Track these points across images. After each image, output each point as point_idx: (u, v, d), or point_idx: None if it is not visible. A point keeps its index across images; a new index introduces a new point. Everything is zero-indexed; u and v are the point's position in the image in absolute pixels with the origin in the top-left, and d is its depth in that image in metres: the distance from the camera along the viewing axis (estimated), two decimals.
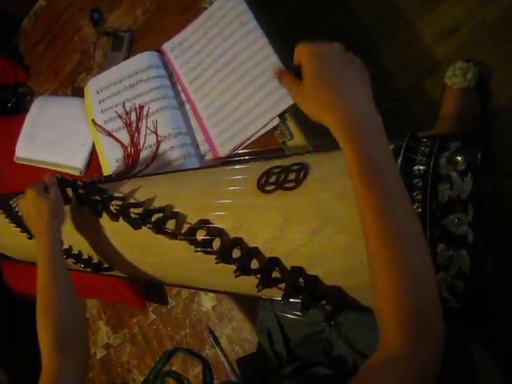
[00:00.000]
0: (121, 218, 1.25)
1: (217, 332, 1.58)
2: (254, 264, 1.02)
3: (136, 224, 1.21)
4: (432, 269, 0.72)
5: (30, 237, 1.49)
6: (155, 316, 1.71)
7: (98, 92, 1.75)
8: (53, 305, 1.16)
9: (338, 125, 0.78)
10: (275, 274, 1.01)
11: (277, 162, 1.11)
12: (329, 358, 1.21)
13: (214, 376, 1.57)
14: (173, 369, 1.66)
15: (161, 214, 1.17)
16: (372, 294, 0.74)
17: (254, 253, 1.02)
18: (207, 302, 1.60)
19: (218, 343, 1.56)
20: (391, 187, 0.74)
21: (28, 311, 1.20)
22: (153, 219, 1.16)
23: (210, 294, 1.59)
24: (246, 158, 1.41)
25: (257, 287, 0.97)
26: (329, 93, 0.79)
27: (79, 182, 1.35)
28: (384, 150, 0.76)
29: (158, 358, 1.67)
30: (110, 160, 1.66)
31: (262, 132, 1.47)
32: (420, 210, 0.85)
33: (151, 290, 1.67)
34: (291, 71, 0.88)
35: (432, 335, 0.69)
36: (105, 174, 1.62)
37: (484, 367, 1.06)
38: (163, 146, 1.56)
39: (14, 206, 1.65)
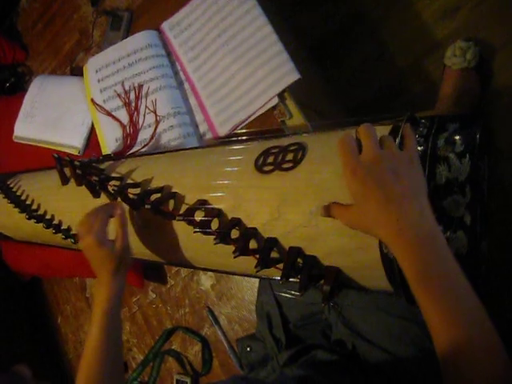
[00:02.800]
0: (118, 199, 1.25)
1: (216, 311, 1.59)
2: (253, 244, 1.02)
3: (134, 204, 1.21)
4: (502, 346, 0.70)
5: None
6: (154, 295, 1.72)
7: (96, 71, 1.74)
8: (95, 374, 1.09)
9: (388, 241, 0.78)
10: (274, 255, 1.01)
11: (275, 142, 1.11)
12: (327, 340, 1.22)
13: (213, 354, 1.58)
14: (172, 347, 1.67)
15: (159, 195, 1.17)
16: None
17: (253, 233, 1.02)
18: (206, 280, 1.61)
19: (217, 322, 1.57)
20: (457, 288, 0.73)
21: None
22: (151, 200, 1.16)
23: (209, 273, 1.59)
24: (245, 137, 1.41)
25: (255, 267, 0.97)
26: (372, 206, 0.79)
27: (77, 162, 1.35)
28: (442, 261, 0.74)
29: (157, 337, 1.69)
30: (109, 139, 1.65)
31: (262, 111, 1.46)
32: None
33: (151, 268, 1.68)
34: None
35: None
36: (103, 154, 1.61)
37: None
38: (162, 126, 1.56)
39: (12, 185, 1.65)
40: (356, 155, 0.81)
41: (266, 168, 1.03)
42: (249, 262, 0.99)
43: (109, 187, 1.27)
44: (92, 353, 1.10)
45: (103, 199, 1.31)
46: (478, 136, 0.85)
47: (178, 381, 1.61)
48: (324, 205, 0.88)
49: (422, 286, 0.73)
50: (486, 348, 0.69)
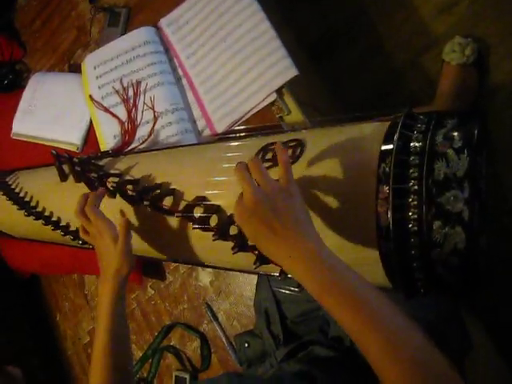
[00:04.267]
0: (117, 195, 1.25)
1: (214, 307, 1.59)
2: None
3: (133, 201, 1.21)
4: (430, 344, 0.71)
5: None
6: (153, 291, 1.72)
7: (95, 68, 1.74)
8: (106, 373, 1.10)
9: (287, 268, 0.86)
10: None
11: (274, 139, 1.11)
12: (325, 336, 1.22)
13: (212, 350, 1.59)
14: (171, 344, 1.67)
15: (158, 191, 1.17)
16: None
17: None
18: (205, 277, 1.61)
19: (215, 318, 1.57)
20: (359, 290, 0.77)
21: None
22: (150, 196, 1.16)
23: (208, 270, 1.59)
24: (243, 134, 1.41)
25: (254, 264, 0.98)
26: (264, 240, 0.87)
27: (75, 159, 1.35)
28: (334, 271, 0.80)
29: (156, 333, 1.70)
30: (107, 136, 1.65)
31: (259, 107, 1.46)
32: (416, 187, 0.85)
33: (149, 265, 1.68)
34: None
35: None
36: (102, 150, 1.61)
37: (477, 339, 1.07)
38: (160, 122, 1.56)
39: (10, 182, 1.65)
40: (240, 203, 0.89)
41: (265, 164, 1.03)
42: (248, 258, 0.99)
43: (107, 184, 1.27)
44: (100, 352, 1.11)
45: None
46: (476, 132, 0.86)
47: (176, 377, 1.61)
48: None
49: (324, 298, 0.79)
50: (407, 340, 0.71)
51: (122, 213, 1.27)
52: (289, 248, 0.83)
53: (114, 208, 1.31)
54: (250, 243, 0.92)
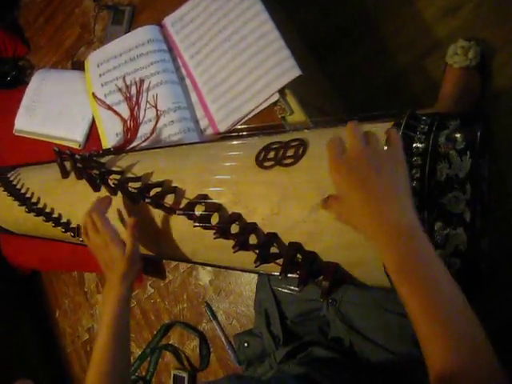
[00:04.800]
0: (119, 193, 1.25)
1: (214, 306, 1.58)
2: (253, 239, 1.03)
3: (134, 199, 1.21)
4: (483, 333, 0.70)
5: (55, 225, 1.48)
6: (153, 290, 1.71)
7: (98, 65, 1.74)
8: (105, 373, 1.10)
9: (368, 231, 0.81)
10: (273, 250, 1.01)
11: (276, 138, 1.11)
12: (325, 337, 1.22)
13: (211, 350, 1.58)
14: (170, 342, 1.67)
15: (159, 189, 1.17)
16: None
17: (253, 228, 1.03)
18: (205, 276, 1.60)
19: (215, 317, 1.57)
20: (436, 280, 0.74)
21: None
22: (151, 194, 1.17)
23: (208, 268, 1.59)
24: (245, 133, 1.41)
25: (255, 262, 0.98)
26: (355, 200, 0.81)
27: (77, 156, 1.35)
28: (421, 254, 0.75)
29: (155, 332, 1.69)
30: (110, 133, 1.65)
31: (262, 107, 1.47)
32: (418, 188, 0.85)
33: (149, 263, 1.68)
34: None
35: None
36: (104, 148, 1.61)
37: None
38: (163, 120, 1.56)
39: (12, 179, 1.65)
40: (340, 153, 0.84)
41: (267, 163, 1.04)
42: (248, 257, 0.99)
43: (109, 181, 1.27)
44: (100, 356, 1.12)
45: (103, 193, 1.31)
46: (478, 133, 0.86)
47: (175, 376, 1.61)
48: (324, 197, 0.89)
49: (402, 277, 0.75)
50: (469, 339, 0.69)
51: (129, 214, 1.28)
52: (383, 215, 0.78)
53: (114, 204, 1.31)
54: (341, 216, 0.87)
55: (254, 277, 1.46)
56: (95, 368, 1.11)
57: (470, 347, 0.69)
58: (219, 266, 1.34)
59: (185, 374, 1.59)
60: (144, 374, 1.66)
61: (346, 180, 0.82)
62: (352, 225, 0.84)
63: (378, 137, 0.85)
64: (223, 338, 1.54)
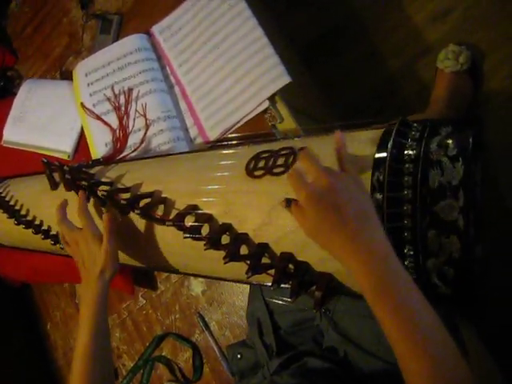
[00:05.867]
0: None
1: (206, 317, 1.57)
2: (244, 250, 1.01)
3: (123, 210, 1.20)
4: (458, 353, 0.72)
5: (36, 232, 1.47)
6: (144, 301, 1.70)
7: (86, 75, 1.73)
8: (87, 373, 1.10)
9: (343, 259, 0.81)
10: (265, 260, 1.00)
11: (266, 147, 1.10)
12: (319, 347, 1.20)
13: (204, 361, 1.57)
14: (162, 354, 1.65)
15: (149, 200, 1.16)
16: None
17: (243, 239, 1.02)
18: (197, 286, 1.59)
19: (207, 328, 1.56)
20: (410, 303, 0.75)
21: None
22: (141, 205, 1.15)
23: (200, 279, 1.58)
24: (235, 142, 1.40)
25: (246, 273, 0.96)
26: (327, 227, 0.82)
27: (66, 167, 1.33)
28: (395, 276, 0.77)
29: (147, 344, 1.68)
30: (99, 144, 1.64)
31: (252, 115, 1.46)
32: (410, 195, 0.84)
33: (140, 274, 1.66)
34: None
35: None
36: (93, 159, 1.60)
37: (474, 350, 1.06)
38: (152, 130, 1.55)
39: (1, 191, 1.63)
40: (306, 183, 0.85)
41: (257, 173, 1.03)
42: (240, 268, 0.98)
43: (98, 192, 1.26)
44: (82, 356, 1.11)
45: (91, 204, 1.30)
46: (470, 139, 0.85)
47: None
48: (286, 198, 0.90)
49: (377, 300, 0.76)
50: (443, 355, 0.72)
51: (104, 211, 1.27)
52: (356, 239, 0.79)
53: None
54: (306, 231, 0.86)
55: (247, 287, 1.45)
56: (78, 368, 1.10)
57: (446, 366, 0.71)
58: (210, 277, 1.33)
59: None
60: None
61: (317, 209, 0.83)
62: (320, 245, 0.86)
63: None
64: (216, 349, 1.52)
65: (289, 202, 0.89)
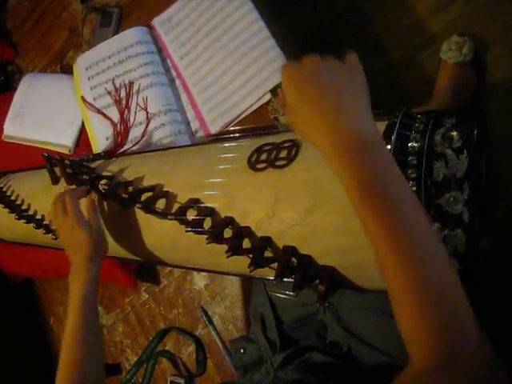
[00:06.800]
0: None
1: (210, 311, 1.57)
2: (246, 244, 1.00)
3: (125, 204, 1.19)
4: (457, 278, 0.65)
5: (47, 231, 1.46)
6: (147, 295, 1.70)
7: (86, 69, 1.72)
8: (76, 363, 1.07)
9: (324, 144, 0.74)
10: (268, 254, 0.99)
11: (268, 139, 1.09)
12: (323, 341, 1.20)
13: (208, 355, 1.57)
14: (166, 348, 1.65)
15: (150, 193, 1.15)
16: (396, 315, 0.67)
17: (246, 232, 1.01)
18: (200, 280, 1.59)
19: (210, 322, 1.55)
20: (401, 201, 0.68)
21: None
22: (142, 198, 1.14)
23: (203, 273, 1.58)
24: (237, 134, 1.39)
25: (249, 267, 0.96)
26: (309, 110, 0.75)
27: (67, 161, 1.33)
28: (386, 172, 0.70)
29: (150, 338, 1.68)
30: (100, 138, 1.63)
31: (254, 108, 1.45)
32: (415, 188, 0.83)
33: (143, 269, 1.66)
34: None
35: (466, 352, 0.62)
36: (94, 153, 1.59)
37: None
38: (153, 123, 1.54)
39: (1, 185, 1.63)
40: (297, 65, 0.78)
41: (260, 165, 1.02)
42: (242, 262, 0.97)
43: (99, 186, 1.25)
44: (70, 339, 1.10)
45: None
46: (475, 131, 0.84)
47: (172, 382, 1.59)
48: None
49: (365, 200, 0.68)
50: (441, 273, 0.65)
51: (83, 189, 1.27)
52: (338, 125, 0.72)
53: (105, 210, 1.29)
54: (286, 110, 0.80)
55: (250, 280, 1.45)
56: (67, 353, 1.09)
57: (445, 284, 0.65)
58: (213, 271, 1.32)
59: (182, 380, 1.57)
60: (140, 380, 1.64)
61: (298, 87, 0.77)
62: (306, 136, 0.78)
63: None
64: (219, 343, 1.52)
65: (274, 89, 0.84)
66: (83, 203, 1.23)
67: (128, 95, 1.60)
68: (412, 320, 0.64)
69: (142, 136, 1.53)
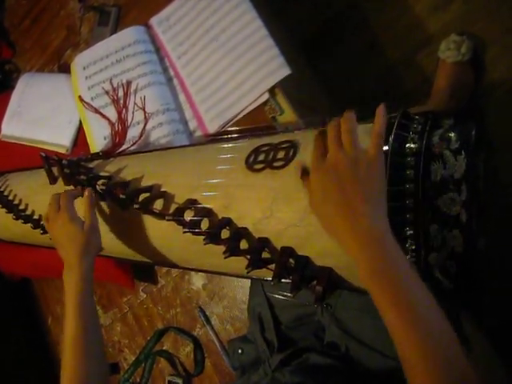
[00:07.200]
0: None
1: (207, 311, 1.57)
2: (244, 244, 1.01)
3: (123, 204, 1.19)
4: (457, 342, 0.71)
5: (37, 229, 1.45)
6: (145, 295, 1.70)
7: (84, 68, 1.72)
8: (79, 367, 1.05)
9: (343, 241, 0.81)
10: (265, 255, 0.99)
11: (266, 140, 1.09)
12: (320, 342, 1.20)
13: (205, 355, 1.57)
14: (164, 348, 1.65)
15: (148, 194, 1.15)
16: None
17: (244, 233, 1.01)
18: (198, 280, 1.59)
19: (208, 322, 1.55)
20: (411, 287, 0.74)
21: None
22: (140, 199, 1.14)
23: (201, 273, 1.58)
24: (235, 135, 1.39)
25: (246, 268, 0.96)
26: (333, 209, 0.82)
27: (64, 161, 1.32)
28: (392, 261, 0.76)
29: (148, 338, 1.67)
30: (98, 137, 1.63)
31: (252, 107, 1.44)
32: (412, 189, 0.83)
33: (141, 269, 1.66)
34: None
35: None
36: (92, 152, 1.59)
37: (477, 344, 1.05)
38: (151, 123, 1.54)
39: None
40: (321, 156, 0.86)
41: (257, 166, 1.02)
42: (240, 263, 0.97)
43: (97, 186, 1.25)
44: (71, 341, 1.08)
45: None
46: (473, 133, 0.84)
47: (169, 382, 1.59)
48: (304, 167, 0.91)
49: (375, 283, 0.75)
50: (444, 346, 0.70)
51: (80, 189, 1.27)
52: (356, 222, 0.78)
53: (102, 210, 1.29)
54: (311, 203, 0.87)
55: (248, 281, 1.44)
56: (69, 353, 1.07)
57: (445, 353, 0.69)
58: (210, 272, 1.32)
59: (179, 380, 1.57)
60: (138, 380, 1.64)
61: (320, 184, 0.84)
62: (320, 220, 0.86)
63: (356, 136, 0.85)
64: (217, 343, 1.52)
65: (304, 173, 0.89)
66: (81, 200, 1.23)
67: (126, 94, 1.59)
68: None
69: (140, 135, 1.53)
